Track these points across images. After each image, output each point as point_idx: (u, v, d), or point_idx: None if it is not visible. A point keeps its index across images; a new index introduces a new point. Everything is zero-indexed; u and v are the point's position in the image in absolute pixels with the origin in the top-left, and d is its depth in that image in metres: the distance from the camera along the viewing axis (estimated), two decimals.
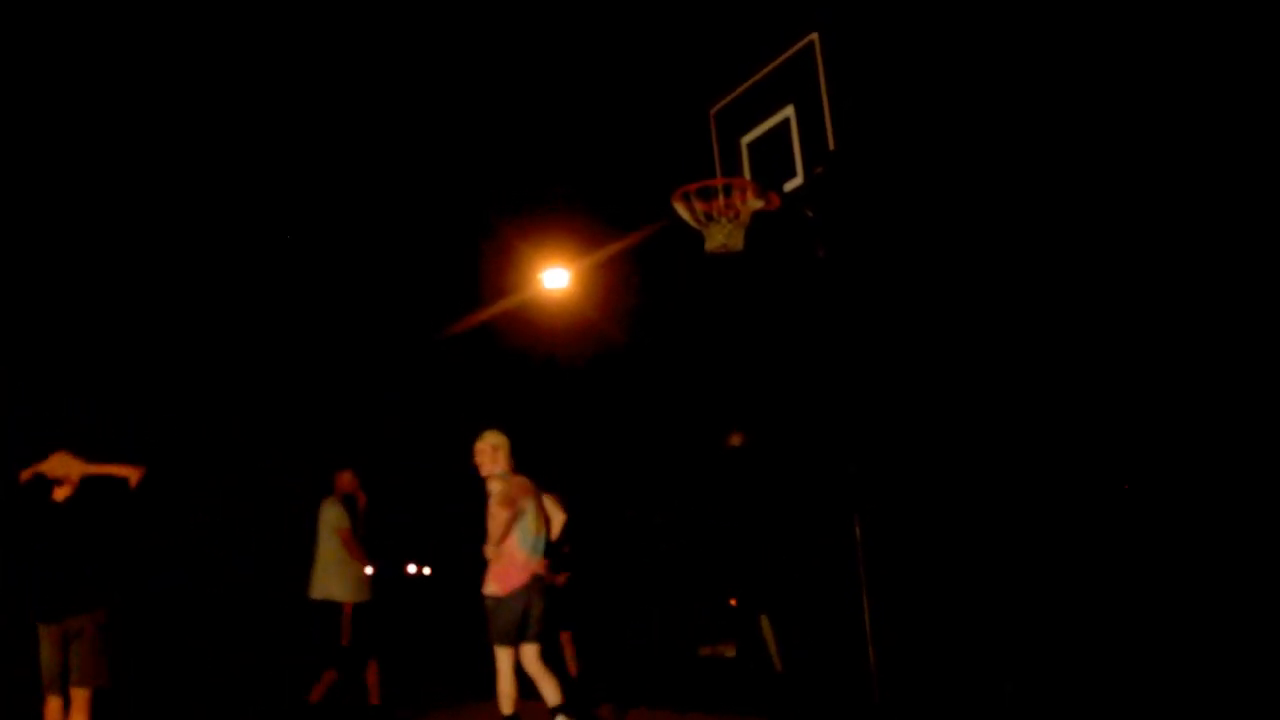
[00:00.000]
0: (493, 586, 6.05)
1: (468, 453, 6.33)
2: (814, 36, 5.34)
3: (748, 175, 5.69)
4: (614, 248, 9.06)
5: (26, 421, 8.25)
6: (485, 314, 10.65)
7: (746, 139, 5.82)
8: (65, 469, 5.91)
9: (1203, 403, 5.89)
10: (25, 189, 8.61)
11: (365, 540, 7.81)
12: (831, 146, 5.22)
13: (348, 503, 7.84)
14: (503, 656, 5.97)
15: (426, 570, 28.00)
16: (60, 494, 5.94)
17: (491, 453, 6.23)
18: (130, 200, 9.11)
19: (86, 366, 9.67)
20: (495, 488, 6.13)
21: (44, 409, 8.80)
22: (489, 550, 6.07)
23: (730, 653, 9.20)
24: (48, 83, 7.73)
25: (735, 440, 9.73)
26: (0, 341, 8.98)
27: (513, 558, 6.06)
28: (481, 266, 10.50)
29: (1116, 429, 6.14)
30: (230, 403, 10.93)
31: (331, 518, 7.69)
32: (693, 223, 5.46)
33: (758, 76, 5.73)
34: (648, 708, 7.93)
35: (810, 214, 5.46)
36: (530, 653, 6.02)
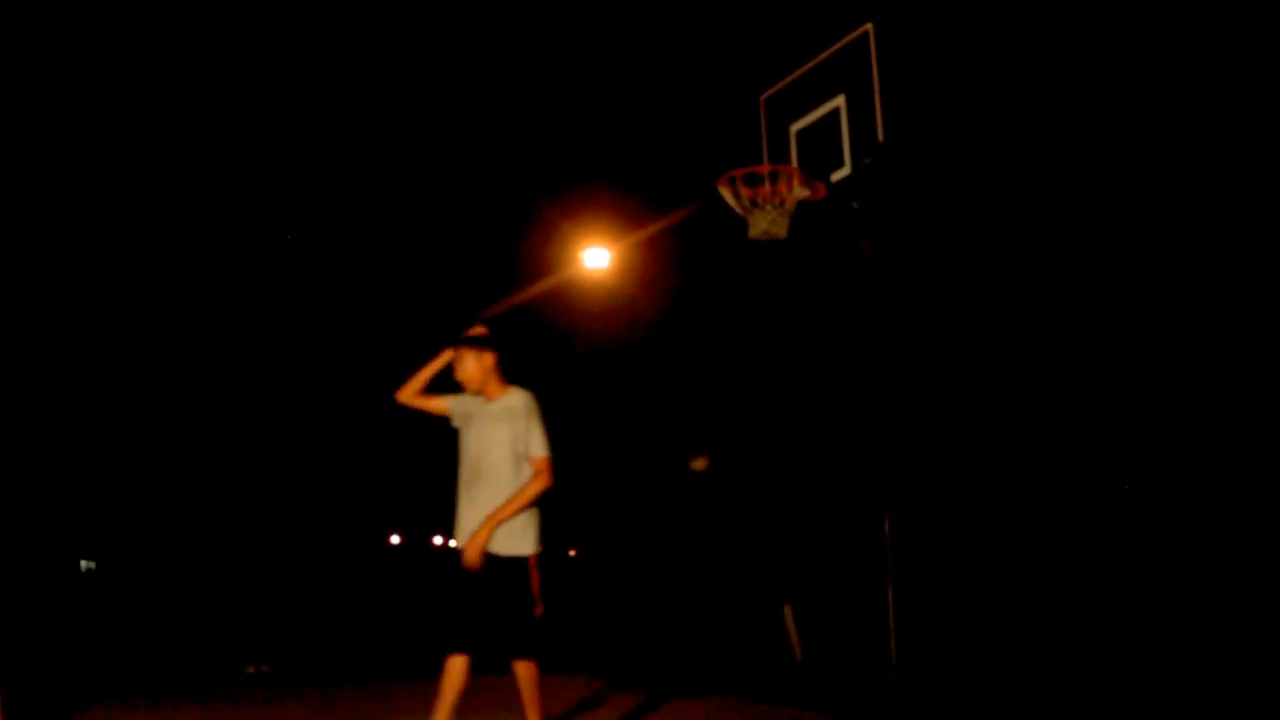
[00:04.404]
0: None
1: None
2: (869, 27, 5.30)
3: (795, 163, 5.66)
4: (655, 229, 9.04)
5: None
6: (526, 293, 10.67)
7: (795, 127, 5.78)
8: None
9: (1248, 415, 5.80)
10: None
11: None
12: (881, 138, 5.18)
13: None
14: None
15: (453, 543, 28.45)
16: None
17: None
18: (163, 192, 9.19)
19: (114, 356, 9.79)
20: None
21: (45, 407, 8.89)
22: None
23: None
24: (88, 85, 7.75)
25: (766, 434, 9.71)
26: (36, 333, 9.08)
27: None
28: (522, 246, 10.52)
29: (1159, 433, 6.06)
30: (266, 386, 11.04)
31: None
32: (737, 208, 5.44)
33: (810, 65, 5.69)
34: (674, 694, 7.98)
35: (856, 205, 5.42)
36: None
